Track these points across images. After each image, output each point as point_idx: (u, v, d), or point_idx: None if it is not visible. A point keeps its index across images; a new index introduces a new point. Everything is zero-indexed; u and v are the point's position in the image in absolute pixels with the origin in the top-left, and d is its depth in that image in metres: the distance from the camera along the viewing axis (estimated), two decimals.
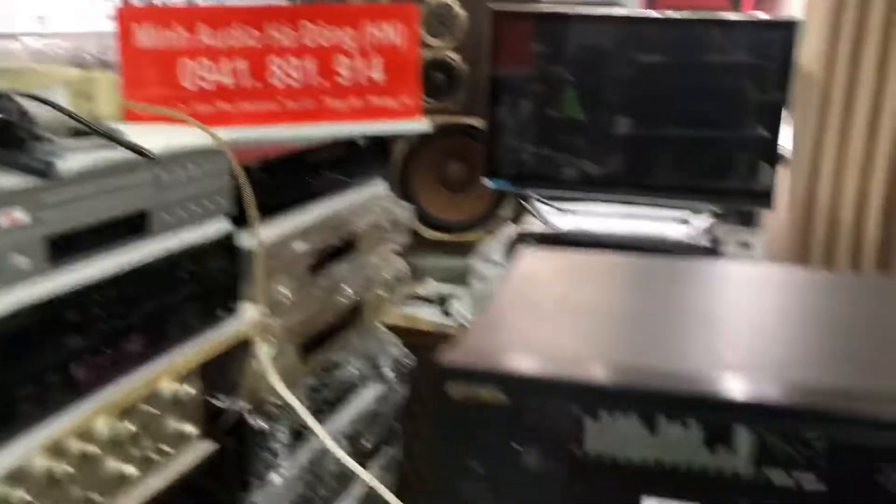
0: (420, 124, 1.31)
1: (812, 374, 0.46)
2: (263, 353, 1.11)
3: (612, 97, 1.71)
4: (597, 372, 0.45)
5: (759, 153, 1.66)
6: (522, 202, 1.81)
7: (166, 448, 0.97)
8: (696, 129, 1.71)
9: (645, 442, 0.43)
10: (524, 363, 0.45)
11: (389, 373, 1.47)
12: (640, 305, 0.61)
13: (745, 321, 0.58)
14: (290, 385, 1.10)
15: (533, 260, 0.67)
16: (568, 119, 1.75)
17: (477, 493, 0.46)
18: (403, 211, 1.42)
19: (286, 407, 1.16)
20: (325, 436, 1.06)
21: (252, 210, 1.02)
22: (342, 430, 1.34)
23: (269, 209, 1.11)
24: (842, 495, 0.40)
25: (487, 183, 1.81)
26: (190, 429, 1.02)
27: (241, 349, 1.10)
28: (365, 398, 1.44)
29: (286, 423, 1.18)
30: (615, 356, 0.49)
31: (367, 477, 0.97)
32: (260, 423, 1.16)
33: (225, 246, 1.00)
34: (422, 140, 1.95)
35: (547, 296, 0.60)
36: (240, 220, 1.05)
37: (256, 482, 1.18)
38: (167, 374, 0.94)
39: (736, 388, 0.44)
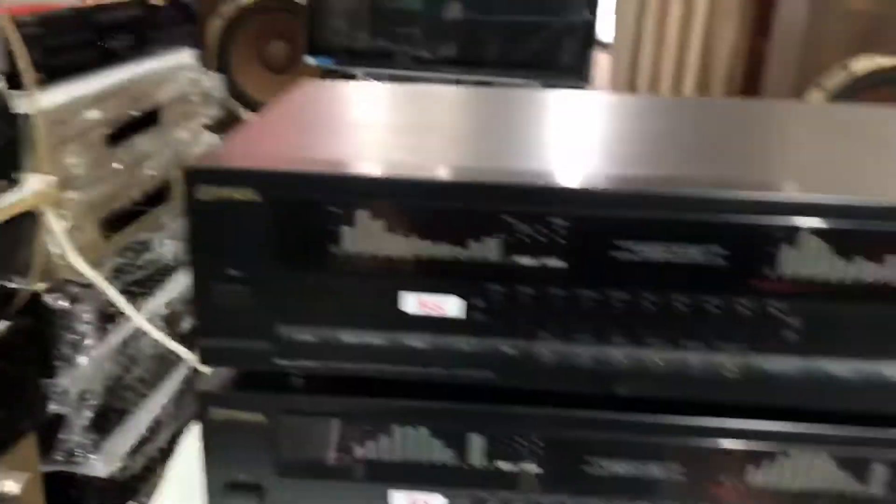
0: None
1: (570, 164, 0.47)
2: (56, 226, 1.04)
3: None
4: (353, 168, 0.44)
5: (578, 35, 1.69)
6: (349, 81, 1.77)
7: None
8: (522, 15, 1.72)
9: (400, 240, 0.43)
10: (277, 162, 0.44)
11: None
12: (429, 120, 0.60)
13: (539, 131, 0.59)
14: (93, 264, 1.04)
15: (311, 88, 0.64)
16: (399, 5, 1.71)
17: (235, 297, 0.44)
18: (212, 82, 1.34)
19: (90, 286, 1.10)
20: (132, 311, 1.01)
21: (28, 70, 0.93)
22: (158, 312, 1.29)
23: (54, 72, 1.02)
24: (581, 270, 0.42)
25: (310, 60, 1.75)
26: None
27: (29, 225, 1.02)
28: (182, 281, 1.39)
29: (92, 304, 1.12)
30: (376, 157, 0.48)
31: (180, 350, 0.94)
32: (60, 303, 1.10)
33: None
34: (239, 17, 1.85)
35: (316, 113, 0.58)
36: (17, 82, 0.95)
37: (62, 364, 1.12)
38: None
39: (492, 176, 0.44)
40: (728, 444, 0.46)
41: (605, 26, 2.08)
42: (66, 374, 1.14)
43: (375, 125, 0.59)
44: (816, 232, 0.42)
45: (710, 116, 0.65)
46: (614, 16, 2.10)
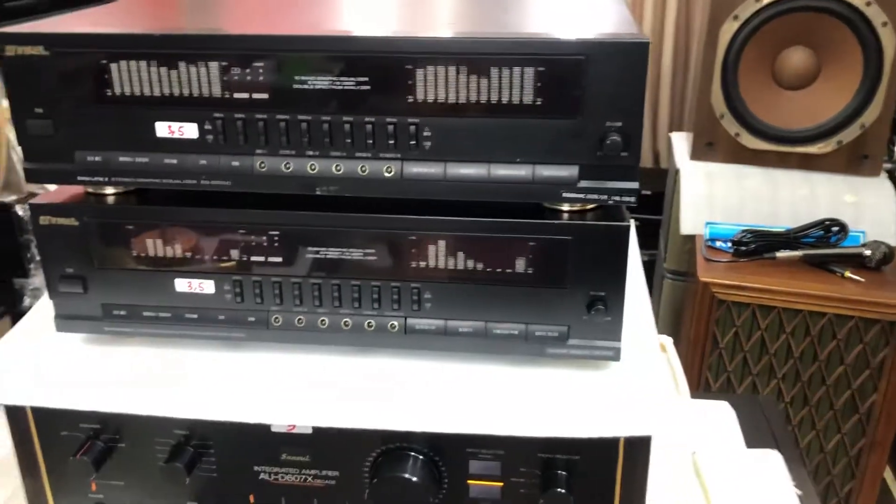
0: None
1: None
2: (17, 143, 1.24)
3: None
4: (118, 28, 0.61)
5: None
6: None
7: None
8: None
9: (153, 82, 0.61)
10: (65, 26, 0.62)
11: None
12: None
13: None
14: None
15: None
16: None
17: (42, 129, 0.63)
18: None
19: None
20: None
21: None
22: None
23: (10, 13, 1.22)
24: (277, 99, 0.59)
25: None
26: None
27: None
28: None
29: None
30: (146, 23, 0.65)
31: None
32: (28, 211, 1.31)
33: None
34: None
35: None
36: None
37: (34, 266, 1.34)
38: None
39: (204, 31, 0.61)
40: (401, 231, 0.63)
41: None
42: (38, 274, 1.35)
43: (160, 9, 0.76)
44: (437, 62, 0.58)
45: None
46: None
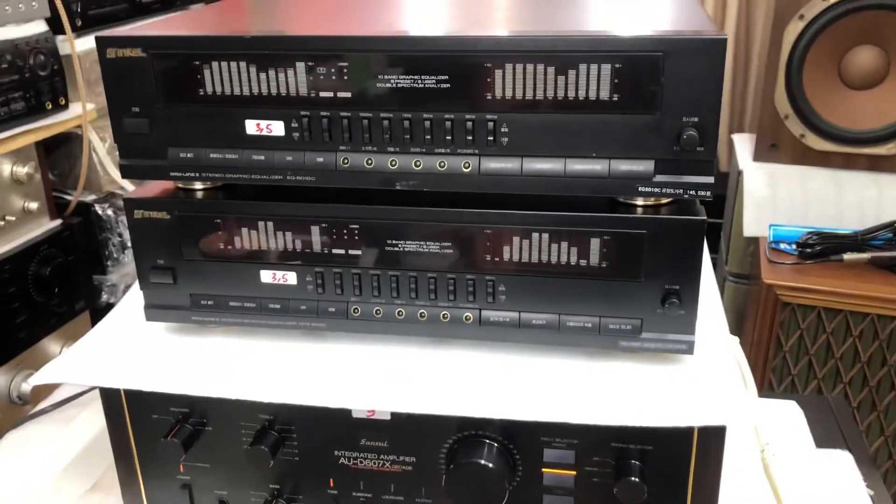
0: None
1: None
2: (98, 145, 1.30)
3: None
4: (209, 31, 0.65)
5: None
6: None
7: (11, 218, 1.17)
8: None
9: (243, 82, 0.64)
10: (159, 29, 0.65)
11: None
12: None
13: None
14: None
15: None
16: None
17: (137, 127, 0.66)
18: None
19: None
20: None
21: (64, 16, 1.18)
22: None
23: (91, 20, 1.28)
24: (361, 98, 0.61)
25: None
26: (33, 205, 1.21)
27: (78, 146, 1.29)
28: None
29: None
30: (243, 26, 0.68)
31: None
32: (107, 211, 1.36)
33: (44, 46, 1.17)
34: None
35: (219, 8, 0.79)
36: (60, 27, 1.21)
37: (112, 263, 1.39)
38: (3, 155, 1.13)
39: (293, 33, 0.64)
40: (478, 225, 0.65)
41: None
42: (115, 271, 1.40)
43: (248, 14, 0.80)
44: (515, 60, 0.60)
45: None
46: None
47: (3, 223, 1.16)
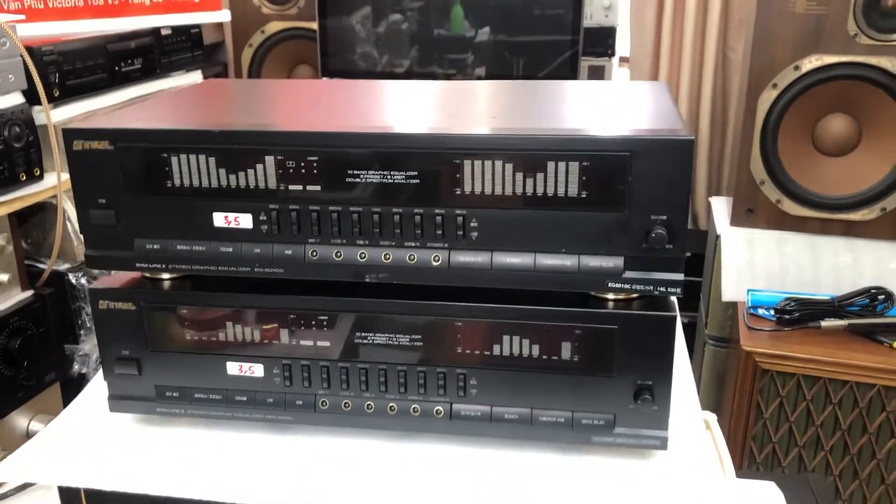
0: (220, 15, 1.47)
1: None
2: (71, 213, 1.29)
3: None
4: (178, 124, 0.64)
5: (569, 50, 1.88)
6: None
7: None
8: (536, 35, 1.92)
9: (211, 174, 0.63)
10: (122, 120, 0.65)
11: None
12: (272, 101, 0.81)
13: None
14: None
15: (205, 84, 0.85)
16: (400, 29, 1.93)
17: (104, 219, 0.65)
18: None
19: None
20: None
21: (40, 88, 1.18)
22: None
23: (69, 90, 1.27)
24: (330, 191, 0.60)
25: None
26: (4, 277, 1.20)
27: (52, 215, 1.27)
28: None
29: None
30: (214, 119, 0.68)
31: None
32: (81, 280, 1.35)
33: (20, 118, 1.16)
34: (266, 45, 2.11)
35: (184, 97, 0.79)
36: (36, 98, 1.20)
37: (84, 332, 1.37)
38: None
39: (262, 127, 0.63)
40: (449, 318, 0.64)
41: (625, 42, 2.24)
42: (88, 341, 1.38)
43: (223, 103, 0.79)
44: (479, 157, 0.60)
45: (518, 92, 0.83)
46: (630, 33, 2.25)
47: None
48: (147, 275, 0.70)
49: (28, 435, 1.25)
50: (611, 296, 0.64)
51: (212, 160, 0.63)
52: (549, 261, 0.61)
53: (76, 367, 1.37)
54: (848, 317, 1.52)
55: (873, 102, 1.58)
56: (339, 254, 0.64)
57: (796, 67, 1.59)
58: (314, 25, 2.07)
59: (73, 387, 1.36)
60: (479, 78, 1.93)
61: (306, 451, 0.69)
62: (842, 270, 1.61)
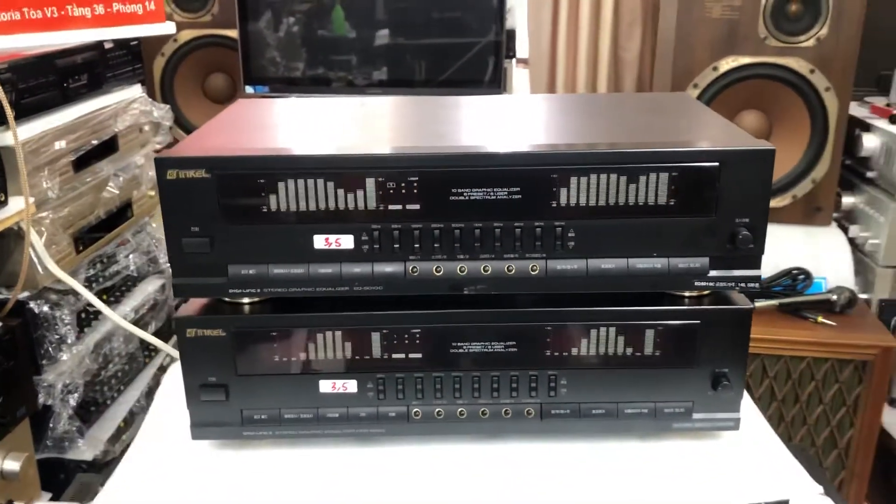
0: (164, 27, 1.43)
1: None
2: (36, 240, 1.22)
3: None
4: (276, 151, 0.65)
5: (491, 53, 1.93)
6: None
7: None
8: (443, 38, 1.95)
9: (310, 198, 0.64)
10: (218, 148, 0.64)
11: (166, 265, 1.60)
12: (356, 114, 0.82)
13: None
14: (69, 273, 1.22)
15: (241, 104, 0.85)
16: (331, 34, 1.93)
17: (197, 247, 0.65)
18: (162, 113, 1.54)
19: (67, 293, 1.29)
20: (109, 311, 1.20)
21: (8, 109, 1.12)
22: (126, 316, 1.47)
23: (25, 109, 1.21)
24: (430, 210, 0.63)
25: (248, 90, 1.95)
26: None
27: (14, 242, 1.21)
28: (145, 289, 1.57)
29: (70, 308, 1.30)
30: (300, 146, 0.69)
31: (156, 341, 1.13)
32: (43, 308, 1.28)
33: None
34: (178, 53, 2.05)
35: (244, 119, 0.79)
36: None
37: (48, 362, 1.30)
38: None
39: (360, 150, 0.65)
40: (542, 324, 0.68)
41: (524, 43, 2.31)
42: (51, 370, 1.32)
43: (285, 125, 0.80)
44: (578, 172, 0.64)
45: (551, 106, 0.88)
46: (528, 35, 2.33)
47: None
48: (227, 300, 0.70)
49: (3, 476, 1.18)
50: (686, 293, 0.69)
51: (313, 184, 0.64)
52: (640, 264, 0.67)
53: (41, 398, 1.30)
54: (776, 297, 1.66)
55: (782, 99, 1.73)
56: (439, 269, 0.67)
57: (715, 68, 1.72)
58: (230, 33, 2.03)
59: (39, 420, 1.30)
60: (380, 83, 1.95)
61: (399, 460, 0.71)
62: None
